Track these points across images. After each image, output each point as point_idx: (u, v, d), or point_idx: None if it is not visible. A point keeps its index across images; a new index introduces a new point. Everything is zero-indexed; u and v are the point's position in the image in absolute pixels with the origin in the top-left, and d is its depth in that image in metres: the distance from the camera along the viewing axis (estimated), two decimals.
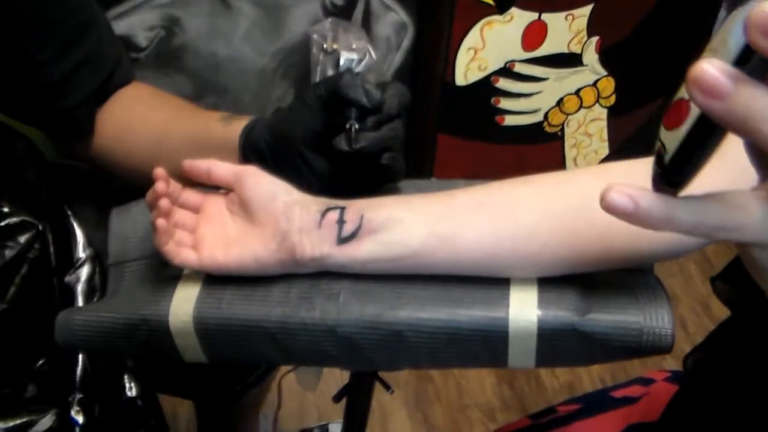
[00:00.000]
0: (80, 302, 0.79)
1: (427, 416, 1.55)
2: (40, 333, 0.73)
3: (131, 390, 0.80)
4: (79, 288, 0.80)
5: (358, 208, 0.60)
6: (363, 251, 0.59)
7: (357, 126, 0.62)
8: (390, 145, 0.63)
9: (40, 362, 0.73)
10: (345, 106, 0.62)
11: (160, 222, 0.58)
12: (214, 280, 0.61)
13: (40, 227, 0.76)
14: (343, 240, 0.59)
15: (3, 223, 0.74)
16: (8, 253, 0.74)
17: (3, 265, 0.73)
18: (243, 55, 1.16)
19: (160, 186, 0.59)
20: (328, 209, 0.60)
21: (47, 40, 0.72)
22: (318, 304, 0.58)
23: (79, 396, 0.74)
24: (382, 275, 0.60)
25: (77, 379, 0.75)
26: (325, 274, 0.60)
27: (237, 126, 0.70)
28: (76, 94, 0.75)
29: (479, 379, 1.63)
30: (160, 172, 0.60)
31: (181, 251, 0.60)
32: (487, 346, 0.58)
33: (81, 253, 0.82)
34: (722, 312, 0.61)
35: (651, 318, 0.58)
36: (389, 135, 0.63)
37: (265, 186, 0.61)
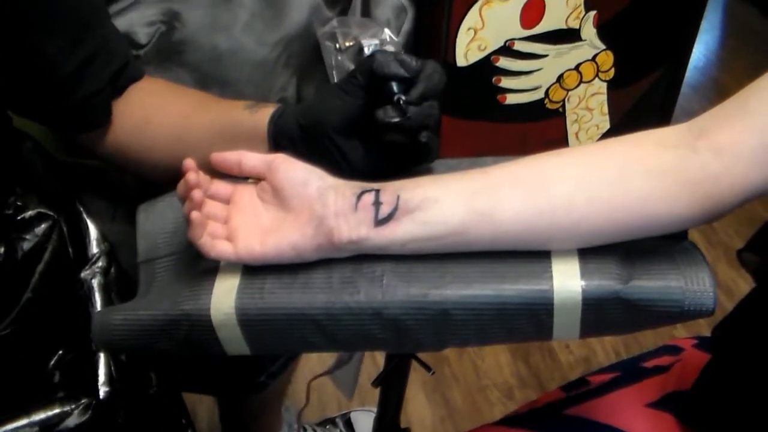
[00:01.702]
0: (98, 297, 0.79)
1: (446, 399, 1.55)
2: (61, 325, 0.74)
3: (156, 386, 0.80)
4: (96, 283, 0.79)
5: (394, 189, 0.59)
6: (401, 232, 0.58)
7: (404, 98, 0.61)
8: (428, 123, 0.63)
9: (61, 352, 0.73)
10: (384, 84, 0.62)
11: (195, 214, 0.58)
12: (253, 270, 0.60)
13: (56, 217, 0.76)
14: (380, 222, 0.58)
15: (19, 217, 0.74)
16: (26, 245, 0.73)
17: (22, 256, 0.73)
18: (244, 46, 1.15)
19: (191, 177, 0.58)
20: (363, 192, 0.59)
21: (56, 31, 0.70)
22: (362, 287, 0.58)
23: (105, 390, 0.73)
24: (422, 255, 0.60)
25: (103, 375, 0.74)
26: (365, 257, 0.60)
27: (264, 113, 0.70)
28: (90, 83, 0.74)
29: (495, 358, 1.63)
30: (189, 163, 0.59)
31: (216, 243, 0.59)
32: (534, 319, 0.58)
33: (95, 248, 0.81)
34: (727, 278, 0.61)
35: (692, 281, 0.58)
36: (430, 112, 0.63)
37: (297, 172, 0.61)
